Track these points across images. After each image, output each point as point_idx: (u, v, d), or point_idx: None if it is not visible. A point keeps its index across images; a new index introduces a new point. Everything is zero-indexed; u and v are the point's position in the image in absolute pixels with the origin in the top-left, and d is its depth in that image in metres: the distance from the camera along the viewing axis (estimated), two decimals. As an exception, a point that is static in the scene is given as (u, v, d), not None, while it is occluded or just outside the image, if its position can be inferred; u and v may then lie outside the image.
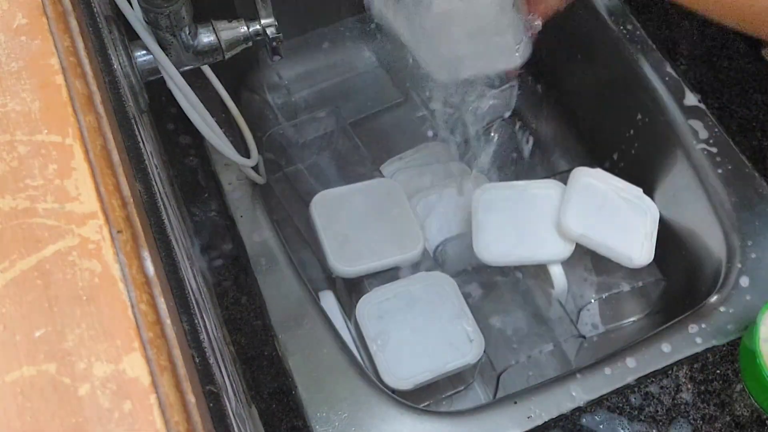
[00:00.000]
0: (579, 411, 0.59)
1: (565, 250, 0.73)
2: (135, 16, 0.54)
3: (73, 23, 0.36)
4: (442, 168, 0.88)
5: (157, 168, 0.53)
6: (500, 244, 0.74)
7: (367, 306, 0.69)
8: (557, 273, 0.73)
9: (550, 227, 0.74)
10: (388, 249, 0.74)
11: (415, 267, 0.77)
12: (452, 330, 0.69)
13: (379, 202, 0.78)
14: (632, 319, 0.80)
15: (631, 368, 0.61)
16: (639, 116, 0.80)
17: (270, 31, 0.60)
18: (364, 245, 0.74)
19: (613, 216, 0.73)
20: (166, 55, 0.56)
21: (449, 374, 0.67)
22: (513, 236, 0.74)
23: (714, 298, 0.65)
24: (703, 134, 0.74)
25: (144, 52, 0.56)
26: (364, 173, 0.86)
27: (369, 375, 0.62)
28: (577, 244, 0.73)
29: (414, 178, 0.86)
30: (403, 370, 0.66)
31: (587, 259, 0.79)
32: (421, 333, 0.68)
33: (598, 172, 0.75)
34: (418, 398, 0.72)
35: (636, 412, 0.59)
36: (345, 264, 0.73)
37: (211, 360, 0.37)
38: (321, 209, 0.77)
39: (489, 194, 0.76)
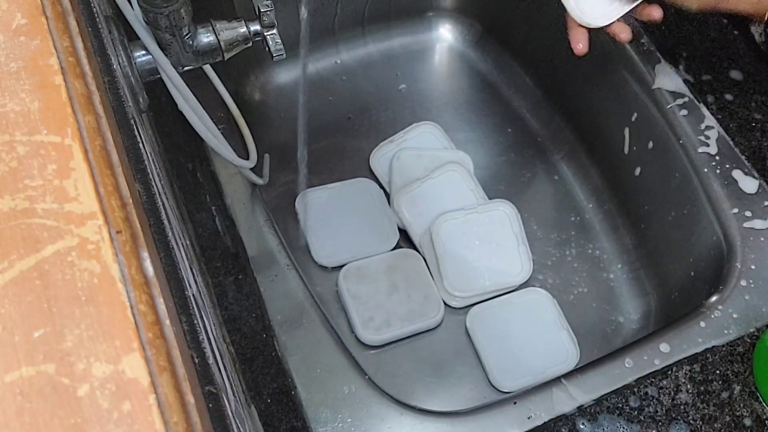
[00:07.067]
0: (579, 411, 0.59)
1: (524, 272, 0.81)
2: (135, 16, 0.54)
3: (73, 23, 0.36)
4: (436, 153, 0.91)
5: (156, 168, 0.52)
6: (466, 280, 0.80)
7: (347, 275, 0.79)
8: None
9: (507, 253, 0.81)
10: (366, 243, 0.83)
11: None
12: (420, 294, 0.79)
13: (359, 199, 0.88)
14: (632, 318, 0.80)
15: (631, 368, 0.61)
16: (635, 116, 0.80)
17: (266, 16, 0.59)
18: (345, 240, 0.83)
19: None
20: (166, 55, 0.56)
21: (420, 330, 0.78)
22: (475, 269, 0.81)
23: (714, 298, 0.65)
24: (703, 134, 0.74)
25: (143, 52, 0.56)
26: (354, 166, 0.92)
27: (369, 375, 0.62)
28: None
29: (413, 159, 0.89)
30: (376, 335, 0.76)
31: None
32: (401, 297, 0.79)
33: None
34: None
35: (635, 413, 0.59)
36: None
37: (211, 360, 0.37)
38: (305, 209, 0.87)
39: (446, 226, 0.82)
